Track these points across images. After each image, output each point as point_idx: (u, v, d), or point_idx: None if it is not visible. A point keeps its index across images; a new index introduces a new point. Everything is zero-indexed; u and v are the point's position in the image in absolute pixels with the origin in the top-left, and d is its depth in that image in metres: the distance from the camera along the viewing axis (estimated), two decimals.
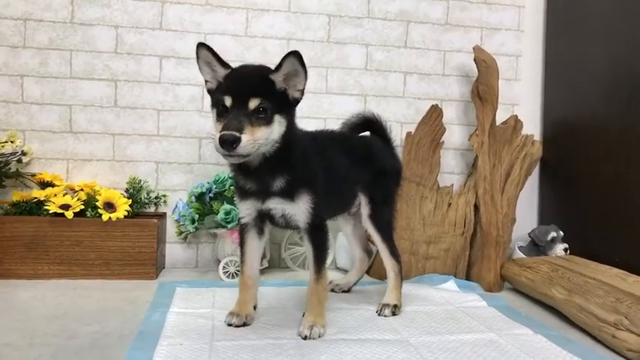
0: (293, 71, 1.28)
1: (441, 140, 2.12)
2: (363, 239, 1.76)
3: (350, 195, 1.55)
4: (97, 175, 2.02)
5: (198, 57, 1.32)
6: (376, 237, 1.61)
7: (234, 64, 1.32)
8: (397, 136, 2.15)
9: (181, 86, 2.05)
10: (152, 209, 2.04)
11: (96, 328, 1.36)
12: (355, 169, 1.52)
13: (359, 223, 1.65)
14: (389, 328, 1.45)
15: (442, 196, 2.05)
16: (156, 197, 2.03)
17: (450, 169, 2.22)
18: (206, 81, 1.34)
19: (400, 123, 2.19)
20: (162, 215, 2.03)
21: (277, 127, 1.25)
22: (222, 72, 1.32)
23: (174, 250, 2.06)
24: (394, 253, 1.62)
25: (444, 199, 2.05)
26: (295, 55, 1.26)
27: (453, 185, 2.11)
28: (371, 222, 1.60)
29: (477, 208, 1.99)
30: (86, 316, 1.45)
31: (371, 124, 1.71)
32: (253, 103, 1.21)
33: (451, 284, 1.88)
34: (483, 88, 2.03)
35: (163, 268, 2.03)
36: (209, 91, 1.34)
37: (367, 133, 1.73)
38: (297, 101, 1.32)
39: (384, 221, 1.62)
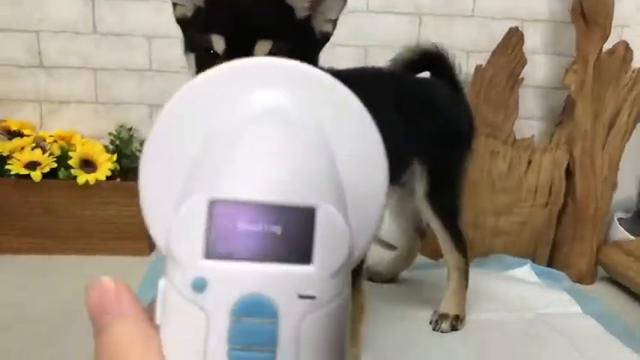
0: None
1: (521, 76, 1.60)
2: (415, 214, 1.31)
3: (400, 162, 1.09)
4: (77, 122, 1.61)
5: None
6: (435, 223, 1.16)
7: None
8: (462, 69, 1.63)
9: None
10: None
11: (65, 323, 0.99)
12: (409, 126, 1.05)
13: (409, 194, 1.20)
14: (446, 355, 1.03)
15: (519, 151, 1.56)
16: None
17: (529, 114, 1.69)
18: (174, 3, 0.87)
19: (466, 52, 1.65)
20: None
21: None
22: None
23: None
24: (460, 245, 1.17)
25: (521, 156, 1.55)
26: None
27: (533, 137, 1.60)
28: (428, 203, 1.14)
29: (568, 171, 1.49)
30: (54, 305, 1.09)
31: (433, 61, 1.21)
32: (262, 49, 0.76)
33: (528, 271, 1.44)
34: (591, 4, 1.46)
35: None
36: (179, 22, 0.87)
37: (426, 73, 1.24)
38: (326, 38, 0.86)
39: (447, 202, 1.16)
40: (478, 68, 1.58)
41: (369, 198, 0.26)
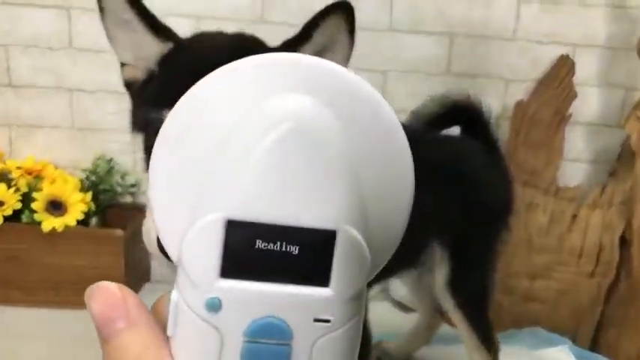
0: (330, 42, 0.63)
1: (569, 112, 1.35)
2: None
3: (413, 246, 0.86)
4: (50, 149, 1.41)
5: (101, 7, 0.63)
6: (458, 317, 0.94)
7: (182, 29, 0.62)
8: (498, 103, 1.39)
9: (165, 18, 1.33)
10: (128, 199, 1.43)
11: None
12: (428, 199, 0.81)
13: (428, 272, 0.98)
14: None
15: (562, 203, 1.31)
16: (132, 184, 1.40)
17: (576, 155, 1.44)
18: (122, 63, 0.66)
19: (505, 81, 1.40)
20: (142, 209, 1.42)
21: None
22: (156, 47, 0.63)
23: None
24: (487, 342, 0.95)
25: (564, 210, 1.31)
26: (343, 10, 0.61)
27: (580, 187, 1.35)
28: (450, 293, 0.92)
29: (623, 239, 1.25)
30: None
31: (464, 115, 0.97)
32: None
33: (565, 353, 1.21)
34: None
35: (147, 282, 1.45)
36: (128, 87, 0.66)
37: (452, 129, 1.00)
38: None
39: (473, 293, 0.94)
40: (519, 104, 1.33)
41: (392, 216, 0.25)
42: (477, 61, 1.38)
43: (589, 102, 1.41)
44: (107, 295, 0.25)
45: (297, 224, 0.23)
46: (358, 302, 0.24)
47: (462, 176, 0.90)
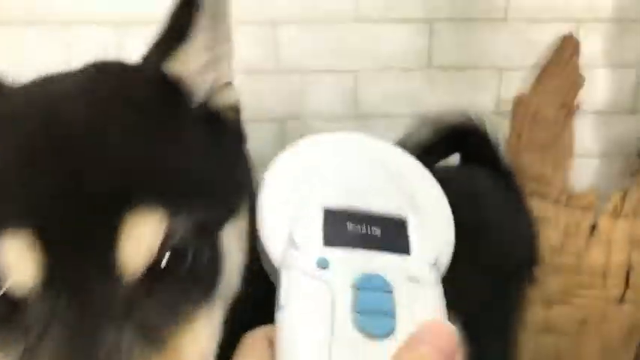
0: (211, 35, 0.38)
1: (576, 103, 1.13)
2: None
3: None
4: None
5: None
6: None
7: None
8: (491, 97, 1.16)
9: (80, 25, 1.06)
10: None
11: None
12: None
13: None
14: None
15: (576, 213, 1.11)
16: None
17: (585, 150, 1.22)
18: None
19: (498, 70, 1.17)
20: None
21: (230, 265, 0.35)
22: None
23: None
24: None
25: (580, 222, 1.10)
26: None
27: (595, 192, 1.14)
28: None
29: None
30: None
31: (464, 138, 0.74)
32: (142, 243, 0.30)
33: None
34: None
35: None
36: None
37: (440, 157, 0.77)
38: (236, 127, 0.42)
39: None
40: (519, 99, 1.10)
41: (440, 226, 0.34)
42: (464, 50, 1.15)
43: (597, 86, 1.19)
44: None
45: (378, 212, 0.31)
46: (436, 275, 0.31)
47: (476, 227, 0.68)
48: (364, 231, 0.30)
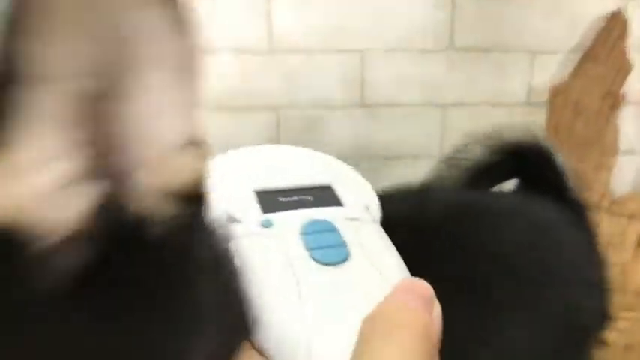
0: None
1: (622, 92, 0.97)
2: None
3: None
4: None
5: None
6: None
7: None
8: (521, 84, 1.00)
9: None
10: None
11: None
12: (477, 321, 0.44)
13: None
14: None
15: (620, 221, 0.95)
16: None
17: (630, 146, 1.06)
18: None
19: (531, 54, 1.00)
20: None
21: None
22: None
23: None
24: None
25: (625, 231, 0.94)
26: None
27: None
28: None
29: None
30: None
31: (525, 160, 0.60)
32: None
33: None
34: None
35: None
36: None
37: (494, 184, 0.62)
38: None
39: None
40: (557, 87, 0.94)
41: (363, 188, 0.37)
42: (491, 29, 0.98)
43: None
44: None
45: (305, 185, 0.35)
46: (371, 215, 0.34)
47: (536, 270, 0.51)
48: (297, 198, 0.33)
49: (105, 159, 0.18)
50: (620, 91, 0.97)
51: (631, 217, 0.95)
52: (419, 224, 0.47)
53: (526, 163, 0.60)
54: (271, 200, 0.33)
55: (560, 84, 0.94)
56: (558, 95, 0.94)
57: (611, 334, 0.93)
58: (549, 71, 0.98)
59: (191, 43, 0.17)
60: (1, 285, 0.17)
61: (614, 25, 0.94)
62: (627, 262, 0.94)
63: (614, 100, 0.95)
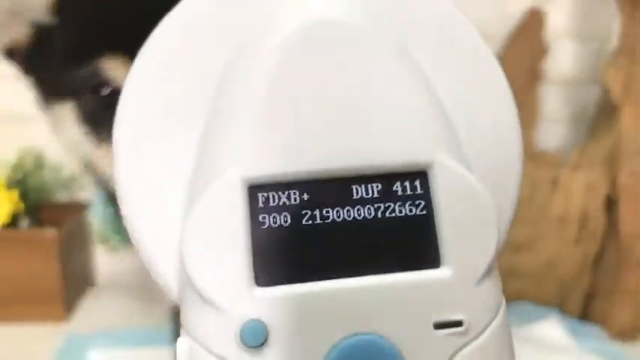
0: None
1: (540, 66, 1.25)
2: None
3: None
4: None
5: None
6: None
7: None
8: None
9: None
10: (64, 196, 1.27)
11: None
12: None
13: None
14: None
15: (542, 168, 1.21)
16: (68, 179, 1.25)
17: (552, 116, 1.34)
18: None
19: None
20: (83, 207, 1.26)
21: None
22: None
23: (111, 257, 1.31)
24: None
25: (544, 176, 1.21)
26: None
27: (559, 149, 1.26)
28: None
29: (609, 201, 1.15)
30: None
31: None
32: None
33: (555, 325, 1.12)
34: None
35: (91, 286, 1.29)
36: (13, 57, 0.53)
37: None
38: None
39: None
40: None
41: (499, 163, 0.18)
42: None
43: (562, 57, 1.31)
44: None
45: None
46: (494, 288, 0.17)
47: None
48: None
49: None
50: (539, 68, 1.25)
51: (550, 165, 1.22)
52: None
53: None
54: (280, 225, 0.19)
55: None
56: None
57: (533, 255, 1.21)
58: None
59: None
60: None
61: (534, 18, 1.22)
62: (545, 198, 1.20)
63: (534, 76, 1.24)
